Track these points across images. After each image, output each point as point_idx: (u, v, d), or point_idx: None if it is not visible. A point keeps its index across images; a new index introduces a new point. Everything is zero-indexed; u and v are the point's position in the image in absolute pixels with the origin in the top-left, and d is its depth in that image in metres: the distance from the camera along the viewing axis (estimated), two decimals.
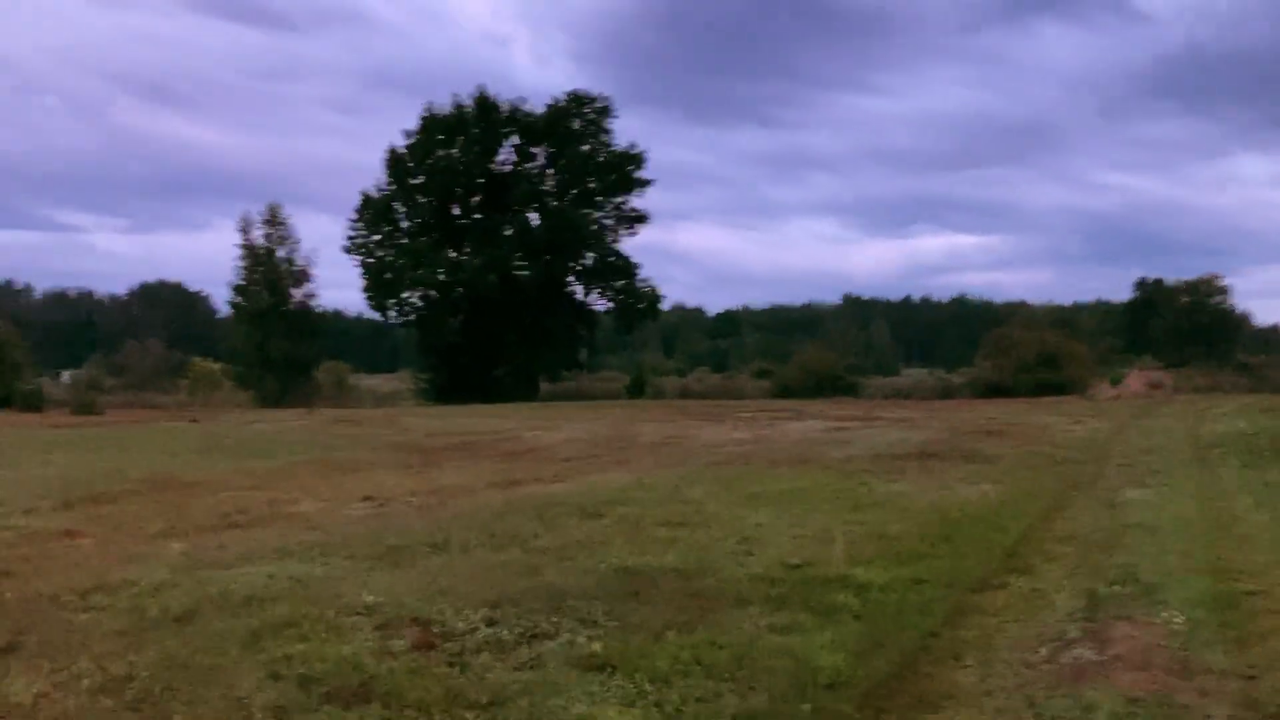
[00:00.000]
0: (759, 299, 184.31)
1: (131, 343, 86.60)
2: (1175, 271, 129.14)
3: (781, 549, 8.58)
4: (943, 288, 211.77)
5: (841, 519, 10.32)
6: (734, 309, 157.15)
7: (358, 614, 6.42)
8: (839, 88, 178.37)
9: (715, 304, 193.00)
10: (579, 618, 6.22)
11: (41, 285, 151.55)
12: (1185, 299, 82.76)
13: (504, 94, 52.43)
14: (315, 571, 7.77)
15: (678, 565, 7.73)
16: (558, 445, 21.25)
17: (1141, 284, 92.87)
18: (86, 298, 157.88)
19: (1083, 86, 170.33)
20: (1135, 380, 45.81)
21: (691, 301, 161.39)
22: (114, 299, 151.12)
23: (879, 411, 33.84)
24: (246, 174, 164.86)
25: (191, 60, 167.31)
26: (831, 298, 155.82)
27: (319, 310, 53.63)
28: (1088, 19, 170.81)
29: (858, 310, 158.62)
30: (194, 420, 30.50)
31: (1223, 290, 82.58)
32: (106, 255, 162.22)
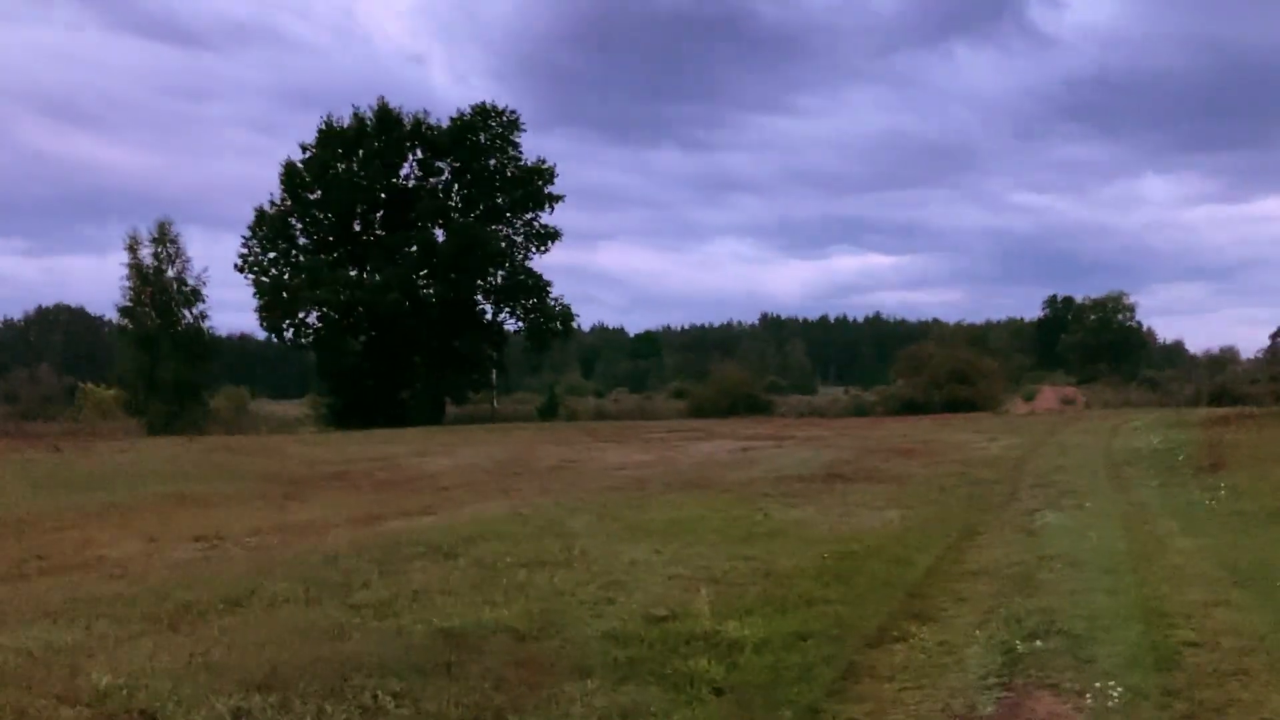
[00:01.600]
0: (680, 319, 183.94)
1: (18, 369, 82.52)
2: (1085, 290, 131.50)
3: (649, 595, 7.29)
4: (859, 307, 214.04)
5: (727, 554, 9.08)
6: (654, 330, 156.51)
7: (81, 704, 4.95)
8: (760, 109, 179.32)
9: (638, 324, 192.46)
10: (361, 703, 4.84)
11: None
12: (1093, 317, 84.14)
13: (416, 110, 50.42)
14: (65, 639, 6.26)
15: (516, 623, 6.38)
16: (444, 473, 19.76)
17: (1051, 302, 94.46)
18: None
19: (997, 109, 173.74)
20: (1048, 396, 45.73)
21: (614, 322, 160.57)
22: (9, 323, 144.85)
23: (791, 430, 32.90)
24: (157, 195, 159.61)
25: (101, 78, 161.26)
26: (750, 318, 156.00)
27: (211, 333, 51.01)
28: (1000, 42, 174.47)
29: (775, 329, 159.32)
30: (57, 449, 28.21)
31: (1129, 308, 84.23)
32: (5, 278, 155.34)
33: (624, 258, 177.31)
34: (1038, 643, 5.77)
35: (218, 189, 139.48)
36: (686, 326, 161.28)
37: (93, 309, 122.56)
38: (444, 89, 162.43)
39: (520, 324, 52.43)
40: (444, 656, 5.59)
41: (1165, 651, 5.61)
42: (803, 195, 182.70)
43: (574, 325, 53.77)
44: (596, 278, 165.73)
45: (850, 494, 14.02)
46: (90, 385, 59.31)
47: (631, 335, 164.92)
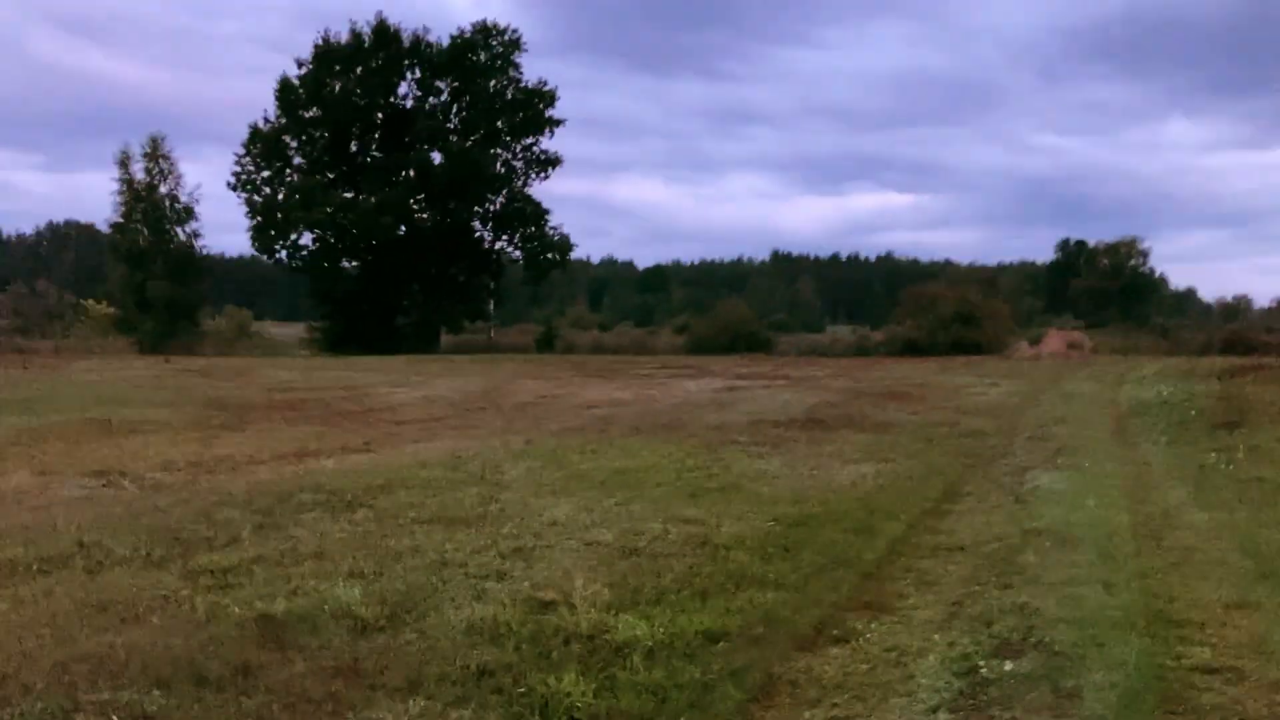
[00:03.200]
0: (691, 254, 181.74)
1: (18, 283, 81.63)
2: (1100, 234, 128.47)
3: (549, 571, 6.07)
4: (873, 246, 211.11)
5: (664, 514, 7.85)
6: (664, 264, 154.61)
7: None
8: (783, 41, 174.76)
9: (648, 258, 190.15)
10: None
11: None
12: (1105, 261, 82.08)
13: (416, 27, 48.41)
14: None
15: (366, 607, 5.16)
16: (408, 405, 18.58)
17: (1064, 245, 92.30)
18: None
19: (1022, 46, 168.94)
20: (1054, 340, 44.10)
21: (624, 255, 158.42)
22: (21, 238, 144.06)
23: (787, 370, 31.63)
24: (169, 112, 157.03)
25: None
26: (761, 254, 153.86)
27: (204, 252, 49.74)
28: None
29: (786, 267, 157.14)
30: (24, 367, 27.14)
31: (1142, 253, 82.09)
32: (22, 193, 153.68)
33: (637, 190, 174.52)
34: (1007, 664, 4.51)
35: (230, 107, 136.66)
36: (696, 262, 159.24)
37: (103, 226, 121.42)
38: (463, 12, 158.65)
39: (518, 252, 51.06)
40: (244, 657, 4.39)
41: (1174, 683, 4.35)
42: (821, 130, 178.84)
43: (571, 255, 52.36)
44: (609, 209, 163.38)
45: (828, 443, 12.75)
46: (90, 302, 58.24)
47: (640, 269, 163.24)
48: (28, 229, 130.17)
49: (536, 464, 10.70)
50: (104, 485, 9.64)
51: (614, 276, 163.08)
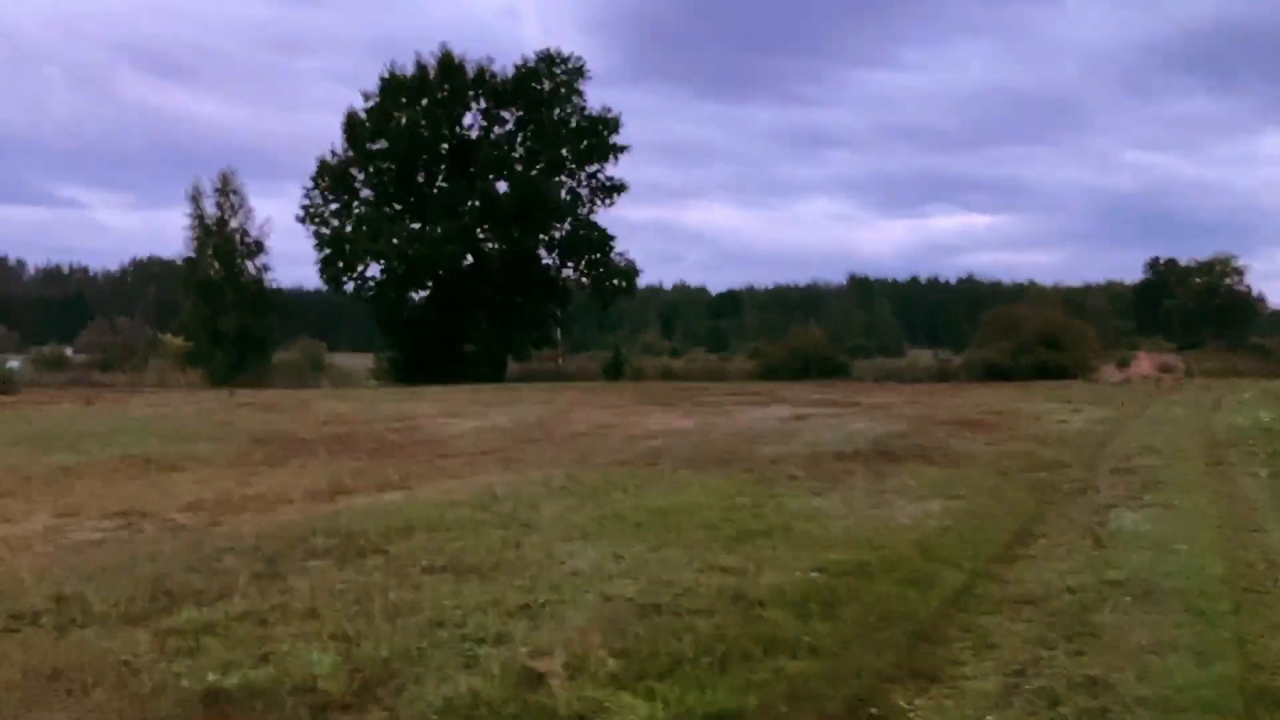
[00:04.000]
0: (765, 278, 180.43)
1: (100, 319, 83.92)
2: (1190, 253, 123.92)
3: (555, 632, 5.41)
4: (952, 268, 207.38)
5: (700, 562, 7.15)
6: (736, 288, 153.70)
7: None
8: (859, 63, 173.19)
9: (722, 283, 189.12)
10: None
11: (42, 261, 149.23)
12: (1198, 280, 79.17)
13: (480, 58, 48.59)
14: None
15: (334, 680, 4.55)
16: (460, 436, 18.13)
17: (1153, 264, 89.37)
18: (80, 273, 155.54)
19: (1107, 61, 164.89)
20: (1144, 362, 42.30)
21: (696, 281, 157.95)
22: (107, 275, 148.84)
23: (858, 396, 30.64)
24: (250, 147, 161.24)
25: (196, 31, 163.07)
26: (837, 277, 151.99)
27: (274, 285, 50.35)
28: None
29: (862, 290, 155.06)
30: (89, 402, 27.40)
31: (1238, 271, 79.00)
32: (112, 231, 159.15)
33: (710, 215, 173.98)
34: None
35: (309, 142, 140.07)
36: (770, 286, 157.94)
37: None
38: (535, 42, 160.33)
39: (584, 279, 50.73)
40: None
41: None
42: (899, 151, 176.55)
43: (637, 281, 51.84)
44: (682, 235, 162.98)
45: (892, 477, 11.91)
46: (168, 336, 59.39)
47: (713, 294, 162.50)
48: (114, 267, 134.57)
49: (574, 501, 10.07)
50: (122, 527, 9.25)
51: (687, 302, 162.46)
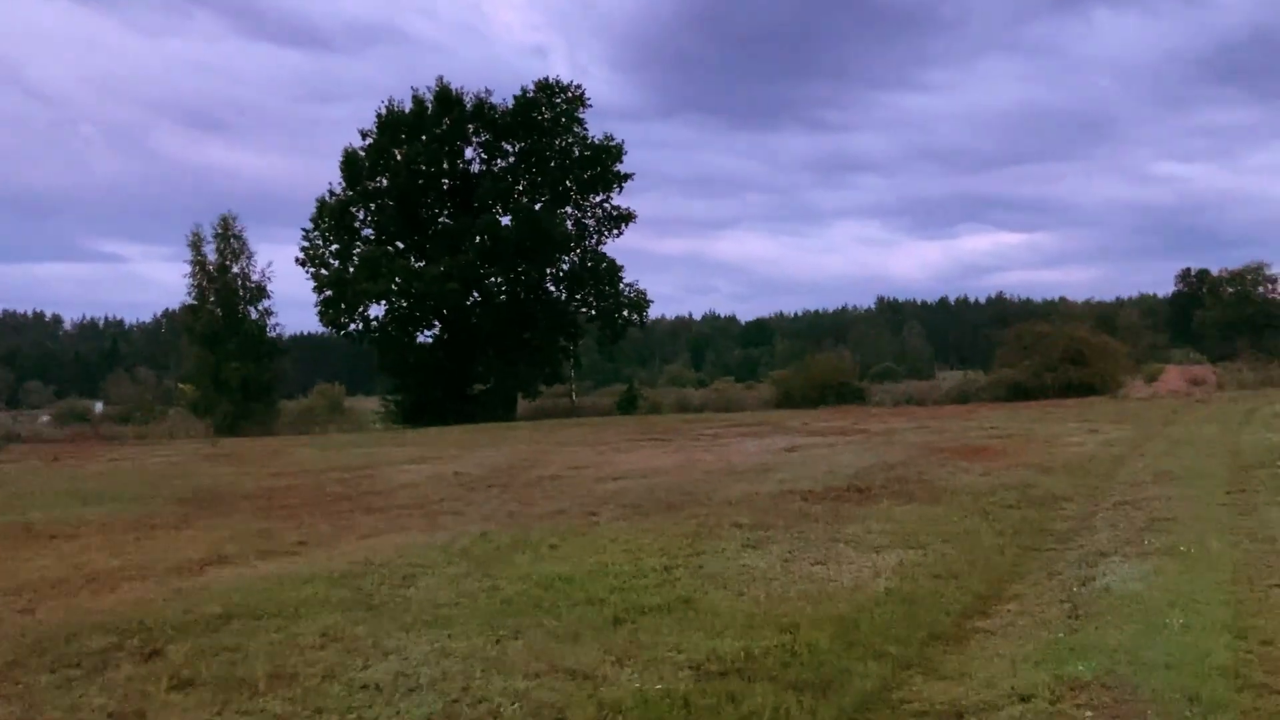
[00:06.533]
0: (795, 306, 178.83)
1: (119, 372, 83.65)
2: (1225, 263, 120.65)
3: None
4: (984, 288, 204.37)
5: (551, 662, 5.52)
6: (766, 317, 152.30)
7: None
8: (887, 87, 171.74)
9: (751, 312, 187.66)
10: None
11: (79, 316, 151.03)
12: (1230, 290, 76.54)
13: (478, 90, 47.51)
14: None
15: None
16: (408, 486, 16.55)
17: (1185, 275, 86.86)
18: (115, 326, 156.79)
19: (1139, 75, 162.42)
20: (1173, 376, 40.06)
21: (727, 311, 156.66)
22: (140, 326, 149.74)
23: (870, 422, 28.82)
24: (286, 197, 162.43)
25: (230, 85, 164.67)
26: (867, 302, 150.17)
27: (278, 331, 49.27)
28: (1144, 3, 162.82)
29: (891, 313, 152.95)
30: (55, 459, 26.13)
31: (1270, 280, 76.26)
32: (150, 283, 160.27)
33: (741, 245, 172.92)
34: None
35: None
36: (800, 313, 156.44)
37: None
38: (564, 80, 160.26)
39: (592, 312, 49.20)
40: None
41: None
42: (929, 173, 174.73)
43: (648, 313, 50.24)
44: (713, 266, 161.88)
45: (854, 521, 10.20)
46: (186, 386, 58.55)
47: (743, 323, 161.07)
48: (146, 317, 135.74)
49: (459, 571, 8.47)
50: None
51: (717, 332, 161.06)
